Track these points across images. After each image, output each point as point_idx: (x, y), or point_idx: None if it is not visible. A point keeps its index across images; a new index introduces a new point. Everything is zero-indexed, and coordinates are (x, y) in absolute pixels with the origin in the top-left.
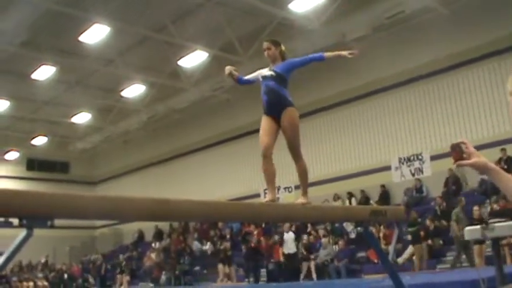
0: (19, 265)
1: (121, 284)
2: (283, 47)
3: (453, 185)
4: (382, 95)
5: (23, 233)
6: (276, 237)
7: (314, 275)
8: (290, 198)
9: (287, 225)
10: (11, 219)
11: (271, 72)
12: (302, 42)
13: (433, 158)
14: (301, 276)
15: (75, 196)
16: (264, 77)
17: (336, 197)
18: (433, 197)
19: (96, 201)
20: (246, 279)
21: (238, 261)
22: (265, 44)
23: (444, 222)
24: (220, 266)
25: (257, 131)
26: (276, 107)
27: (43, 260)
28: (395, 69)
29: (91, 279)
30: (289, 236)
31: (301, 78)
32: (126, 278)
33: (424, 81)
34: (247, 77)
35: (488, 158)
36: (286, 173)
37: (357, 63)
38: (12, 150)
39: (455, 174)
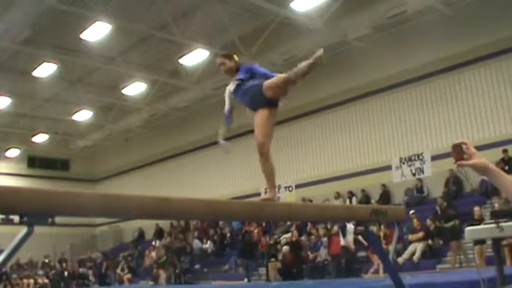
0: (17, 263)
1: (157, 277)
2: (236, 58)
3: (454, 186)
4: (384, 94)
5: (23, 230)
6: (336, 227)
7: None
8: (291, 197)
9: None
10: (11, 217)
11: (238, 82)
12: (304, 41)
13: (434, 158)
14: (371, 270)
15: (76, 193)
16: (234, 90)
17: (337, 195)
18: (433, 197)
19: (96, 198)
20: (246, 279)
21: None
22: (219, 60)
23: (444, 223)
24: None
25: None
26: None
27: (47, 260)
28: (397, 68)
29: (91, 277)
30: (350, 227)
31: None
32: (163, 274)
33: (425, 81)
34: (227, 110)
35: (489, 158)
36: (286, 173)
37: (359, 62)
38: (13, 147)
39: (456, 175)
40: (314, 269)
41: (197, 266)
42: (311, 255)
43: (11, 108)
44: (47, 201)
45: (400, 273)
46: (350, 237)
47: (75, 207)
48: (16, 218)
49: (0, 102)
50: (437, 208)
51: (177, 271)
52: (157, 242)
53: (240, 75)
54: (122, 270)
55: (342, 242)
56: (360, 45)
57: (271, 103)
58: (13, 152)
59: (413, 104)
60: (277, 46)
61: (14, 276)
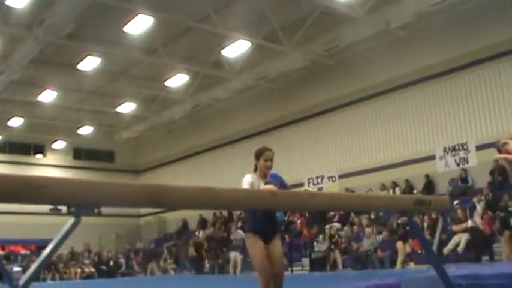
0: (72, 251)
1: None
2: None
3: (499, 176)
4: (428, 83)
5: (71, 220)
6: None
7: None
8: (333, 187)
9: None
10: (59, 207)
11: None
12: (346, 31)
13: (479, 147)
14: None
15: (121, 184)
16: None
17: (382, 187)
18: (479, 187)
19: (141, 189)
20: (289, 268)
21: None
22: (272, 155)
23: (490, 213)
24: (400, 244)
25: (302, 119)
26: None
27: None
28: (440, 57)
29: (136, 267)
30: (479, 207)
31: (347, 66)
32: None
33: (470, 70)
34: None
35: None
36: (330, 163)
37: (399, 51)
38: (59, 139)
39: (501, 165)
40: (357, 260)
41: (241, 256)
42: (355, 246)
43: (57, 101)
44: (93, 192)
45: (445, 264)
46: (478, 218)
47: (120, 197)
48: (64, 209)
49: (47, 96)
50: (483, 198)
51: (220, 261)
52: (201, 232)
53: (277, 181)
54: (165, 260)
55: (470, 223)
56: (402, 34)
57: None
58: (59, 144)
59: (457, 93)
60: (319, 36)
61: (61, 265)
